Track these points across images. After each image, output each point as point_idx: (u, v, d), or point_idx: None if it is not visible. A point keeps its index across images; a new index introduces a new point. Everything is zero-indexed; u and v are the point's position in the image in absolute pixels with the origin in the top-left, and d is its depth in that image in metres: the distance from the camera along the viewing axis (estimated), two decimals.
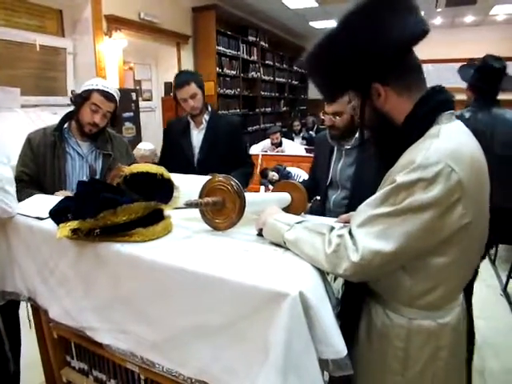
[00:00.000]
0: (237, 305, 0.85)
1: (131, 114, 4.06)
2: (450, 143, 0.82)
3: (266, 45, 7.06)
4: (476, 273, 1.75)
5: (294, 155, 4.82)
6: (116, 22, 3.83)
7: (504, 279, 3.19)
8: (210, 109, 2.18)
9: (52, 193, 1.56)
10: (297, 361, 0.81)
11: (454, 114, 0.90)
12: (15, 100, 3.08)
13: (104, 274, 1.06)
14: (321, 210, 1.76)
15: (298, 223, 0.96)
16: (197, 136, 2.16)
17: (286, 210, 1.37)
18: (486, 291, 3.03)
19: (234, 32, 5.79)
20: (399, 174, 0.82)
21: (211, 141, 2.12)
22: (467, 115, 2.08)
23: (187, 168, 1.76)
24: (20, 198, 1.34)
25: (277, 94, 7.87)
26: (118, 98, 1.76)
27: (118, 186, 1.09)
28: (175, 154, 2.17)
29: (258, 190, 3.60)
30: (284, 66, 8.15)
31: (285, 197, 1.45)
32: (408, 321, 0.92)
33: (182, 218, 1.20)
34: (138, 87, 4.92)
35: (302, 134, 6.61)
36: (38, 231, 1.19)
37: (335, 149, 1.75)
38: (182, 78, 2.07)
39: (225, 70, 5.56)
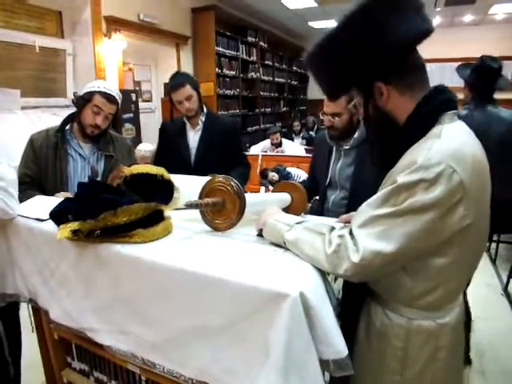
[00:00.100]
0: (237, 305, 0.85)
1: (131, 115, 4.06)
2: (451, 144, 0.82)
3: (266, 45, 7.06)
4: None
5: (293, 155, 4.83)
6: (115, 23, 3.83)
7: (505, 279, 3.18)
8: (205, 110, 2.18)
9: (54, 194, 1.55)
10: (297, 361, 0.81)
11: (456, 114, 0.89)
12: (15, 101, 3.07)
13: (104, 274, 1.06)
14: (320, 210, 1.76)
15: (298, 223, 0.96)
16: (193, 137, 2.16)
17: (286, 210, 1.37)
18: (487, 291, 3.03)
19: (234, 32, 5.79)
20: (400, 174, 0.81)
21: (207, 142, 2.12)
22: (463, 113, 2.12)
23: (184, 169, 1.76)
24: (22, 200, 1.35)
25: (276, 95, 7.86)
26: (119, 100, 1.76)
27: (118, 186, 1.09)
28: (171, 155, 2.16)
29: (258, 191, 3.60)
30: (283, 66, 8.14)
31: (285, 197, 1.45)
32: (407, 321, 0.92)
33: (182, 219, 1.20)
34: (137, 88, 4.93)
35: (301, 135, 6.61)
36: (38, 232, 1.20)
37: (334, 149, 1.75)
38: (177, 80, 2.06)
39: (224, 70, 5.56)
